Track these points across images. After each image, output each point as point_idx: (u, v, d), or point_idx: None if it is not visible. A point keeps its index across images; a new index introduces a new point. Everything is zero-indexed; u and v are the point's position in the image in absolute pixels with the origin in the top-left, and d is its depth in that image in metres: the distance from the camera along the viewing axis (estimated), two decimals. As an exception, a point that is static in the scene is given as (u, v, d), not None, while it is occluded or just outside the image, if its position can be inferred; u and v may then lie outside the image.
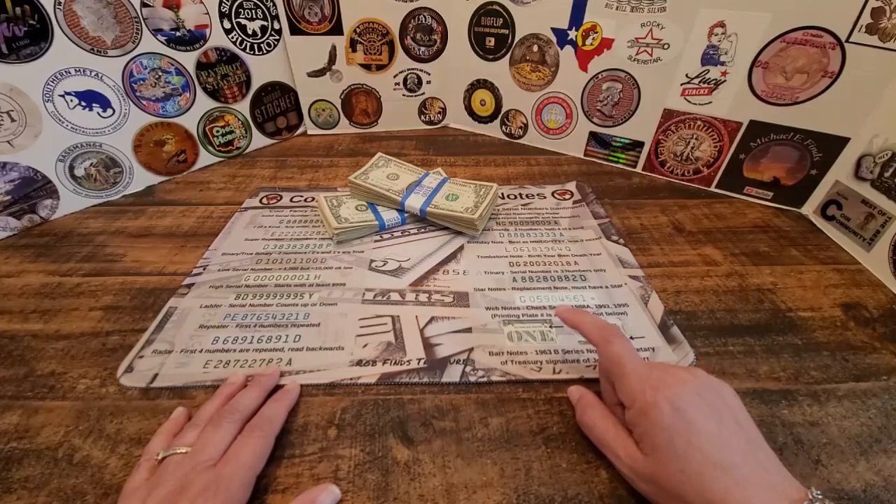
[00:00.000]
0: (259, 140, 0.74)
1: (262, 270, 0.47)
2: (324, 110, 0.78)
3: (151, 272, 0.47)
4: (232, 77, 0.67)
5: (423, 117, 0.82)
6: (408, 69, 0.76)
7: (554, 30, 0.65)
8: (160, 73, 0.60)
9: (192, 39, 0.62)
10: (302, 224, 0.55)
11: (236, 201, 0.59)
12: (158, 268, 0.48)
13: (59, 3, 0.50)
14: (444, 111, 0.82)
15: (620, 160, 0.68)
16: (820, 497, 0.23)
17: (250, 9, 0.66)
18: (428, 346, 0.39)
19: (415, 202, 0.52)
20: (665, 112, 0.61)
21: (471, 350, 0.38)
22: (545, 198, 0.60)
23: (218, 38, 0.64)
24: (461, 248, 0.51)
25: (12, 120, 0.50)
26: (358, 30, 0.71)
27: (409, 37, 0.73)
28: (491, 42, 0.71)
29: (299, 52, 0.72)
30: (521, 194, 0.61)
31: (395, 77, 0.76)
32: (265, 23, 0.68)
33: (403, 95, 0.79)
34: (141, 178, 0.62)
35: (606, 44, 0.61)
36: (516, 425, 0.33)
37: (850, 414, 0.34)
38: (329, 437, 0.32)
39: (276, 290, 0.45)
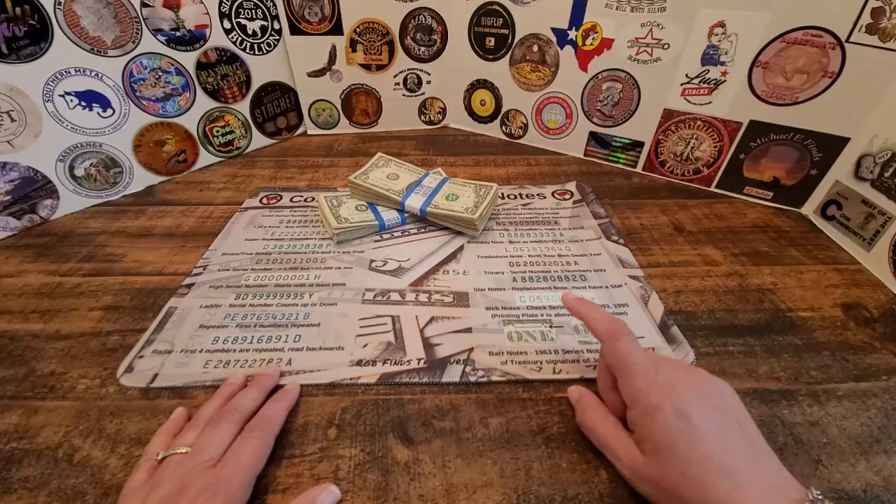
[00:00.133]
0: (259, 140, 0.74)
1: (262, 270, 0.47)
2: (324, 110, 0.78)
3: (151, 272, 0.47)
4: (232, 77, 0.67)
5: (423, 117, 0.82)
6: (408, 69, 0.76)
7: (554, 30, 0.64)
8: (160, 73, 0.60)
9: (192, 39, 0.62)
10: (302, 224, 0.55)
11: (236, 201, 0.59)
12: (158, 268, 0.48)
13: (59, 3, 0.50)
14: (444, 111, 0.82)
15: (620, 160, 0.68)
16: (820, 497, 0.23)
17: (250, 9, 0.66)
18: (428, 346, 0.39)
19: (415, 202, 0.52)
20: (665, 112, 0.61)
21: (471, 350, 0.38)
22: (545, 198, 0.60)
23: (218, 38, 0.64)
24: (461, 248, 0.50)
25: (12, 120, 0.50)
26: (358, 30, 0.71)
27: (409, 37, 0.73)
28: (491, 42, 0.71)
29: (299, 52, 0.72)
30: (521, 194, 0.61)
31: (395, 77, 0.76)
32: (265, 23, 0.68)
33: (403, 95, 0.79)
34: (141, 178, 0.62)
35: (606, 44, 0.61)
36: (516, 425, 0.33)
37: (851, 414, 0.34)
38: (329, 437, 0.32)
39: (276, 290, 0.45)
